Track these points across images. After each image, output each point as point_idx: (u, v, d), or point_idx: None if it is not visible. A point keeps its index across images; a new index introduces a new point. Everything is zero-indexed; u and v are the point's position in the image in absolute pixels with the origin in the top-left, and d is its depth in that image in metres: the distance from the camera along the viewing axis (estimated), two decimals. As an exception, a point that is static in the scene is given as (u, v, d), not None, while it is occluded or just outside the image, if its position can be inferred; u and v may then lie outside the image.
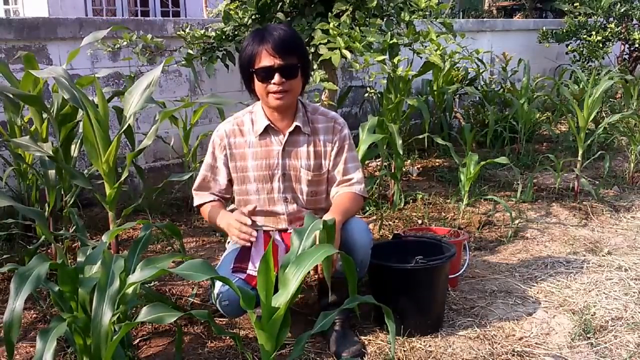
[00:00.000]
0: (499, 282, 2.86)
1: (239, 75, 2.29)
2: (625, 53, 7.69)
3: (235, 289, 1.73)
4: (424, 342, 2.31)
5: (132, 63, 3.97)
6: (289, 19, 3.59)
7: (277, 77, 2.15)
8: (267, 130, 2.30)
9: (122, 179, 2.26)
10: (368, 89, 4.74)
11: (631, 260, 3.08)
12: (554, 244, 3.36)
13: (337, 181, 2.34)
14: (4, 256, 2.89)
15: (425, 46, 3.48)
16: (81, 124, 2.49)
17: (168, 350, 2.26)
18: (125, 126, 2.23)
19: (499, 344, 2.30)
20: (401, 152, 3.79)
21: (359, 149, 3.36)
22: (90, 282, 1.81)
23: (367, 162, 4.60)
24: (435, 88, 5.40)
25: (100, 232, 3.33)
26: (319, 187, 2.35)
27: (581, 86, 5.97)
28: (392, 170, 3.97)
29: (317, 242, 1.88)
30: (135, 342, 2.29)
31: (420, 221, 3.61)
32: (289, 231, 2.32)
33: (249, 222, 2.16)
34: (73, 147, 2.86)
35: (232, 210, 2.42)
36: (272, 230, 2.36)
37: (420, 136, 4.55)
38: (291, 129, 2.29)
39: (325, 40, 3.24)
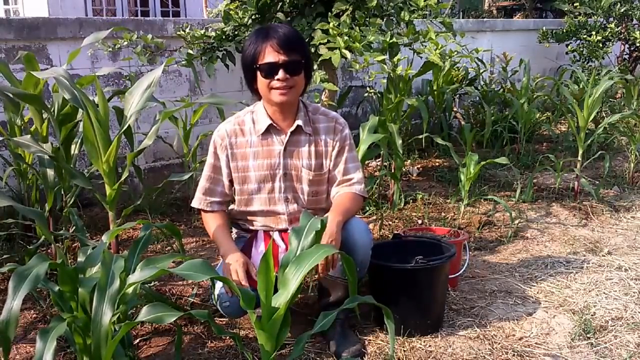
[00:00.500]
0: (499, 282, 2.86)
1: (239, 75, 2.29)
2: (625, 53, 7.69)
3: (235, 289, 1.73)
4: (424, 342, 2.31)
5: (132, 63, 3.97)
6: (288, 19, 3.59)
7: (281, 73, 2.14)
8: (269, 130, 2.29)
9: (123, 179, 2.26)
10: (368, 88, 4.75)
11: (631, 260, 3.08)
12: (554, 244, 3.36)
13: (337, 181, 2.34)
14: (4, 256, 2.89)
15: (425, 46, 3.48)
16: (81, 123, 2.49)
17: (168, 350, 2.26)
18: (126, 126, 2.23)
19: (499, 344, 2.30)
20: (401, 152, 3.80)
21: (359, 149, 3.36)
22: (90, 282, 1.81)
23: (367, 162, 4.60)
24: (435, 88, 5.40)
25: (100, 232, 3.33)
26: (320, 187, 2.35)
27: (581, 86, 5.97)
28: (392, 170, 3.97)
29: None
30: (135, 342, 2.29)
31: (420, 221, 3.61)
32: (289, 231, 2.31)
33: (245, 283, 2.06)
34: (73, 147, 2.86)
35: (231, 210, 2.42)
36: (272, 230, 2.36)
37: (420, 136, 4.55)
38: (293, 128, 2.28)
39: (325, 40, 3.24)
